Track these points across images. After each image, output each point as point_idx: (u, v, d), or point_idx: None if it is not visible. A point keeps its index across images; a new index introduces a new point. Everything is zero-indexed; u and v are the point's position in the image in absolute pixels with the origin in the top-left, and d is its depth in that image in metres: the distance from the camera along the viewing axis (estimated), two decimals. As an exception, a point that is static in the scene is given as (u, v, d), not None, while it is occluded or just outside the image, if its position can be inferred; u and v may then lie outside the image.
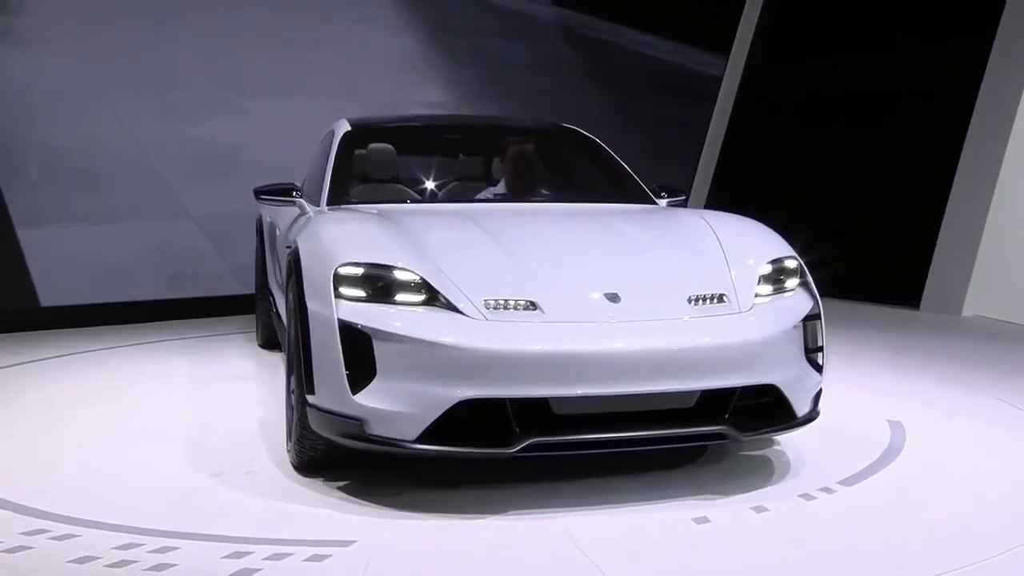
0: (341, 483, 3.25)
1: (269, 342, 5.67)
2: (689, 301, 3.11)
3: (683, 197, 4.48)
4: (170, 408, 4.45)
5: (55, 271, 6.63)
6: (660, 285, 3.16)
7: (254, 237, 6.15)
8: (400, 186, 4.43)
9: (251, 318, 6.73)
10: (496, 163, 4.75)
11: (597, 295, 3.06)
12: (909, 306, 7.34)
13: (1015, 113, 6.94)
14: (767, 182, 8.44)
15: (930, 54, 7.73)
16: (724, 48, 8.98)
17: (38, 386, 4.94)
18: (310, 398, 3.07)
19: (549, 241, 3.45)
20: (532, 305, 3.00)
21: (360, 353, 2.89)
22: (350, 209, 3.92)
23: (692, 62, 8.89)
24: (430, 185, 4.52)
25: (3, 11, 6.61)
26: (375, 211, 3.80)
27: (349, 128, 4.57)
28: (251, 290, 6.39)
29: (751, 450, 3.55)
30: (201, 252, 7.03)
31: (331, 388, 2.97)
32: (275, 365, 5.31)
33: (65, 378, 5.16)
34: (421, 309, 2.95)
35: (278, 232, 4.83)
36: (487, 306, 2.96)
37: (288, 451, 3.51)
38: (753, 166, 8.85)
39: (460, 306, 2.95)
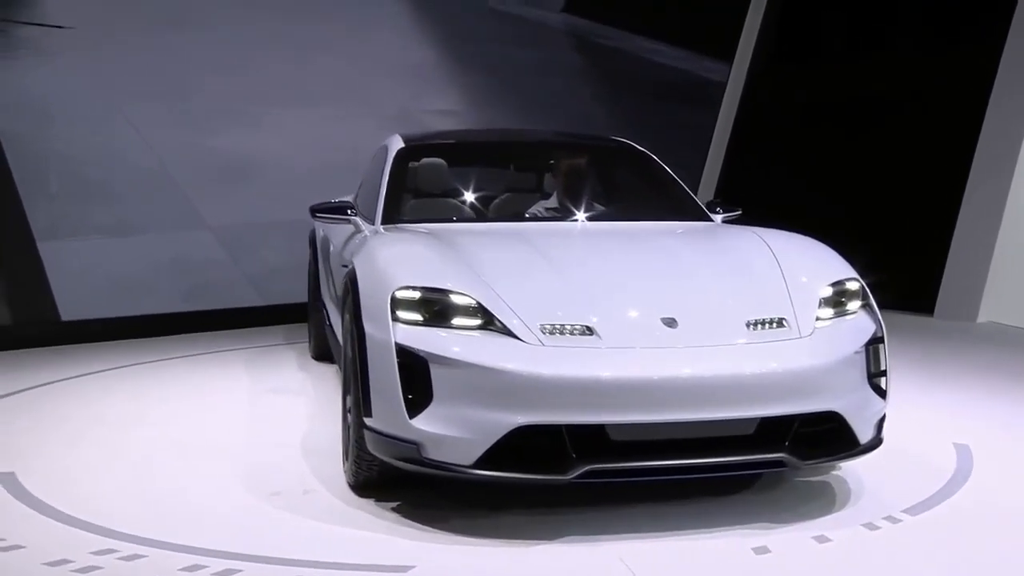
0: (395, 505, 3.26)
1: (322, 354, 5.70)
2: (748, 326, 3.08)
3: (738, 212, 4.43)
4: (224, 424, 4.46)
5: (73, 284, 6.58)
6: (718, 309, 3.13)
7: (288, 247, 6.31)
8: (452, 202, 4.46)
9: (293, 329, 6.81)
10: (548, 178, 4.78)
11: (654, 320, 3.05)
12: (922, 312, 7.26)
13: None
14: (773, 187, 8.37)
15: (939, 60, 7.65)
16: (728, 54, 9.04)
17: (83, 403, 4.95)
18: (367, 420, 3.09)
19: (604, 263, 3.45)
20: (588, 330, 2.99)
21: (417, 377, 2.91)
22: (404, 229, 3.95)
23: (697, 68, 8.96)
24: (481, 200, 4.54)
25: (20, 21, 6.59)
26: (428, 231, 3.82)
27: (403, 144, 4.59)
28: (273, 301, 6.56)
29: (809, 476, 3.49)
30: (219, 263, 7.01)
31: (388, 411, 2.99)
32: (328, 378, 5.33)
33: (109, 395, 5.16)
34: (477, 333, 2.96)
35: (332, 247, 4.87)
36: (543, 331, 2.96)
37: (344, 471, 3.53)
38: (758, 171, 8.79)
39: (516, 331, 2.95)
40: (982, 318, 6.95)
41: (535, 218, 4.25)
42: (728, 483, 3.35)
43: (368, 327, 3.09)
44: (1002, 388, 4.95)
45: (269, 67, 7.01)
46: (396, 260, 3.30)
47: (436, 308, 3.01)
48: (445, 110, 7.57)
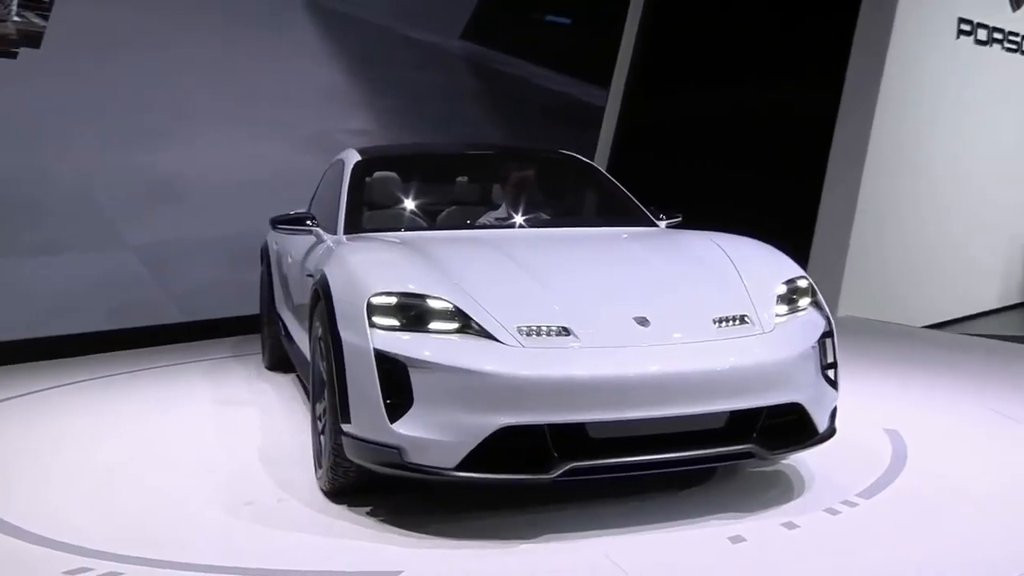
0: (375, 509, 3.08)
1: (277, 364, 5.45)
2: (715, 323, 3.00)
3: (679, 218, 4.40)
4: (188, 437, 4.17)
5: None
6: (686, 308, 3.05)
7: (212, 264, 6.15)
8: (410, 212, 4.29)
9: (240, 341, 6.43)
10: (496, 189, 4.62)
11: (627, 320, 2.95)
12: None
13: (868, 136, 7.24)
14: (651, 199, 8.47)
15: (792, 78, 7.93)
16: (607, 80, 9.43)
17: (44, 420, 4.58)
18: (345, 427, 2.92)
19: (573, 266, 3.34)
20: (565, 331, 2.87)
21: (397, 382, 2.76)
22: (371, 238, 3.78)
23: (580, 93, 9.29)
24: (434, 210, 4.38)
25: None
26: (397, 239, 3.67)
27: (360, 158, 4.42)
28: (196, 317, 6.34)
29: (762, 466, 3.43)
30: (143, 281, 6.66)
31: (368, 417, 2.83)
32: (286, 386, 5.08)
33: (63, 414, 4.76)
34: (455, 337, 2.82)
35: (290, 259, 4.66)
36: (521, 332, 2.84)
37: (318, 478, 3.33)
38: (638, 185, 8.98)
39: (495, 333, 2.82)
40: (842, 312, 7.07)
41: (487, 227, 4.14)
42: (694, 474, 3.27)
43: (345, 334, 2.93)
44: (897, 376, 4.98)
45: (188, 89, 6.75)
46: (370, 267, 3.14)
47: (413, 313, 2.86)
48: (356, 130, 7.51)
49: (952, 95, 7.96)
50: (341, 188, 4.19)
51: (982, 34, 8.19)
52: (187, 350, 6.38)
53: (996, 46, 8.38)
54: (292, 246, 4.61)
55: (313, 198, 5.19)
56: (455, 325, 2.83)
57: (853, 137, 7.35)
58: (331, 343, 2.98)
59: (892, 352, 5.86)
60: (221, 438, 4.11)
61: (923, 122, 7.74)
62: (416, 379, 2.73)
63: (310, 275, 3.76)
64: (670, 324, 2.95)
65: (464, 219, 4.20)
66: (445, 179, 4.69)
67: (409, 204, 4.31)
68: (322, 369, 3.28)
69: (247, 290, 6.34)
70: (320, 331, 3.26)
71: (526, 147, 5.75)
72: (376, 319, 2.83)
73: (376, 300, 2.86)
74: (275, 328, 5.30)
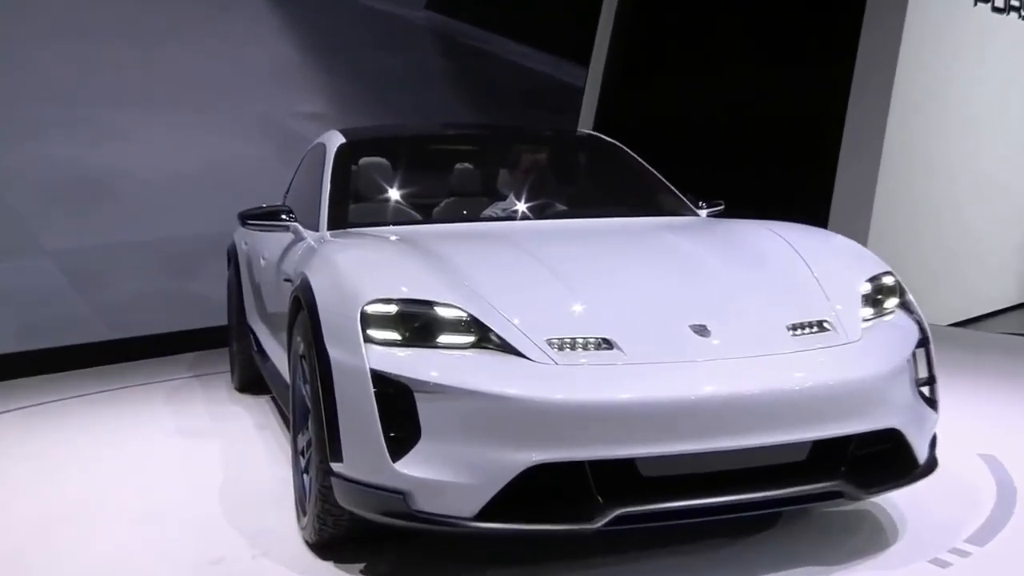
0: (373, 567, 2.82)
1: (248, 384, 5.23)
2: (789, 331, 2.73)
3: (721, 205, 4.20)
4: (142, 477, 3.90)
5: None
6: (753, 313, 2.79)
7: (147, 270, 5.89)
8: (404, 204, 4.06)
9: (200, 358, 6.24)
10: (504, 175, 4.39)
11: (682, 328, 2.68)
12: None
13: (885, 121, 7.03)
14: None
15: (796, 57, 7.74)
16: (585, 59, 9.21)
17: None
18: (336, 466, 2.65)
19: (611, 264, 3.10)
20: (607, 343, 2.61)
21: (400, 410, 2.51)
22: (360, 234, 3.53)
23: (559, 72, 9.09)
24: (433, 200, 4.18)
25: None
26: (392, 235, 3.42)
27: (344, 141, 4.18)
28: (130, 333, 6.07)
29: (838, 503, 3.09)
30: (64, 293, 6.28)
31: (364, 455, 2.57)
32: (261, 412, 4.85)
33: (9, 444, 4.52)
34: (471, 353, 2.58)
35: (262, 261, 4.43)
36: (552, 346, 2.59)
37: (302, 527, 3.05)
38: None
39: (520, 347, 2.57)
40: None
41: (495, 219, 3.93)
42: (761, 517, 2.97)
43: (333, 351, 2.67)
44: (967, 388, 4.68)
45: (114, 64, 6.38)
46: (362, 268, 2.90)
47: (417, 324, 2.62)
48: (309, 114, 7.29)
49: (969, 67, 7.85)
50: (323, 176, 3.97)
51: (999, 1, 8.25)
52: (138, 370, 6.13)
53: (1013, 14, 8.42)
54: (265, 246, 4.39)
55: (288, 190, 5.00)
56: (470, 338, 2.60)
57: (868, 121, 7.11)
58: (316, 362, 2.73)
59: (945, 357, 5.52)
60: (183, 478, 3.88)
61: (941, 97, 7.56)
62: (423, 406, 2.49)
63: (288, 280, 3.53)
64: (735, 333, 2.69)
65: (467, 211, 4.02)
66: (444, 165, 4.46)
67: (403, 194, 4.11)
68: (305, 394, 3.05)
69: (186, 300, 6.17)
70: (302, 347, 3.02)
71: (538, 127, 5.51)
72: (372, 332, 2.60)
73: (371, 309, 2.63)
74: (246, 343, 5.09)
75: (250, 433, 4.47)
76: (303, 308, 2.94)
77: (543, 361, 2.54)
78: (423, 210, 4.01)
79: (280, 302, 3.72)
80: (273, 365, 4.14)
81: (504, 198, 4.09)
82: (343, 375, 2.62)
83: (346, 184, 3.94)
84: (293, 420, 3.26)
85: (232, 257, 5.48)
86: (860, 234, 6.97)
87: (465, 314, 2.62)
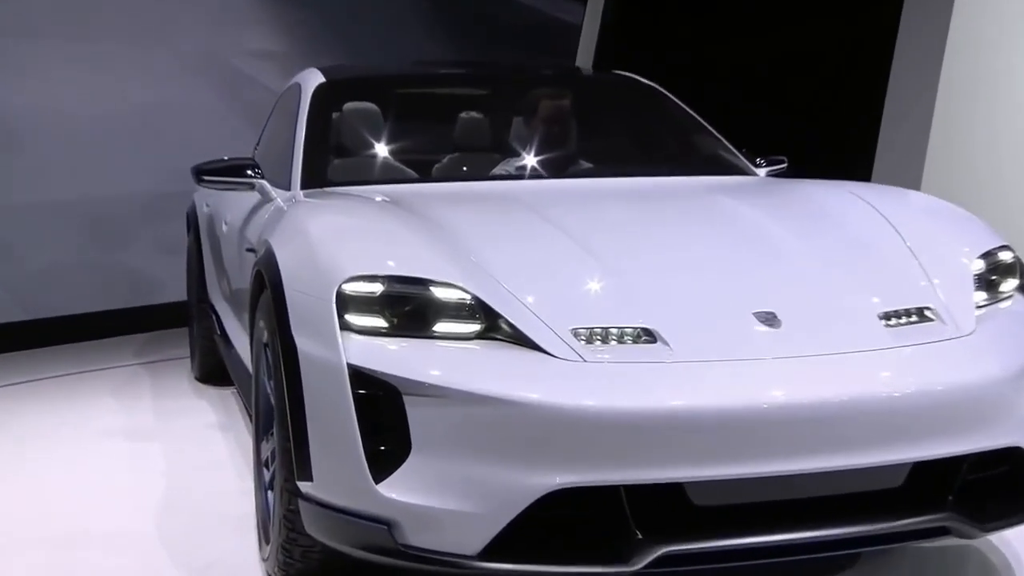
0: None
1: (210, 373, 5.16)
2: (881, 320, 2.50)
3: (784, 163, 4.05)
4: (75, 493, 3.75)
5: None
6: (835, 297, 2.57)
7: (66, 236, 5.71)
8: (396, 159, 3.91)
9: (152, 342, 6.21)
10: (518, 125, 4.24)
11: (745, 316, 2.47)
12: None
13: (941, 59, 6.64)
14: None
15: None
16: None
17: None
18: (304, 486, 2.48)
19: (650, 235, 2.92)
20: (649, 335, 2.40)
21: (385, 418, 2.34)
22: (340, 194, 3.38)
23: (552, 8, 8.96)
24: (432, 156, 4.04)
25: None
26: (380, 197, 3.25)
27: (323, 80, 4.03)
28: (42, 314, 5.96)
29: (940, 543, 2.84)
30: None
31: (339, 473, 2.40)
32: (224, 407, 4.75)
33: None
34: (476, 345, 2.39)
35: (225, 226, 4.31)
36: (579, 338, 2.38)
37: (264, 558, 2.89)
38: None
39: (539, 339, 2.37)
40: None
41: (508, 177, 3.79)
42: (841, 557, 2.74)
43: (302, 341, 2.51)
44: None
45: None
46: (340, 235, 2.74)
47: (408, 308, 2.45)
48: (258, 52, 7.22)
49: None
50: (297, 124, 3.83)
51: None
52: (69, 357, 6.04)
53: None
54: (228, 208, 4.28)
55: (258, 142, 4.90)
56: (475, 327, 2.42)
57: (920, 57, 6.76)
58: (281, 355, 2.57)
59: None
60: (125, 493, 3.73)
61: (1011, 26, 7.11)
62: (415, 413, 2.31)
63: (251, 250, 3.41)
64: (812, 323, 2.47)
65: (474, 168, 3.93)
66: (447, 113, 4.31)
67: (395, 148, 3.98)
68: (269, 391, 2.90)
69: (120, 273, 6.09)
70: (265, 334, 2.88)
71: (562, 66, 5.33)
72: (351, 318, 2.43)
73: (350, 288, 2.45)
74: (207, 324, 5.02)
75: (208, 435, 4.38)
76: (267, 286, 2.78)
77: (568, 357, 2.34)
78: (420, 167, 3.85)
79: (243, 277, 3.60)
80: (236, 353, 4.03)
81: (519, 153, 3.95)
82: (314, 372, 2.45)
83: (325, 133, 3.82)
84: (256, 423, 3.11)
85: (192, 222, 5.39)
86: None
87: (469, 296, 2.44)
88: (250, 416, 3.79)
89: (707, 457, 2.23)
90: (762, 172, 3.92)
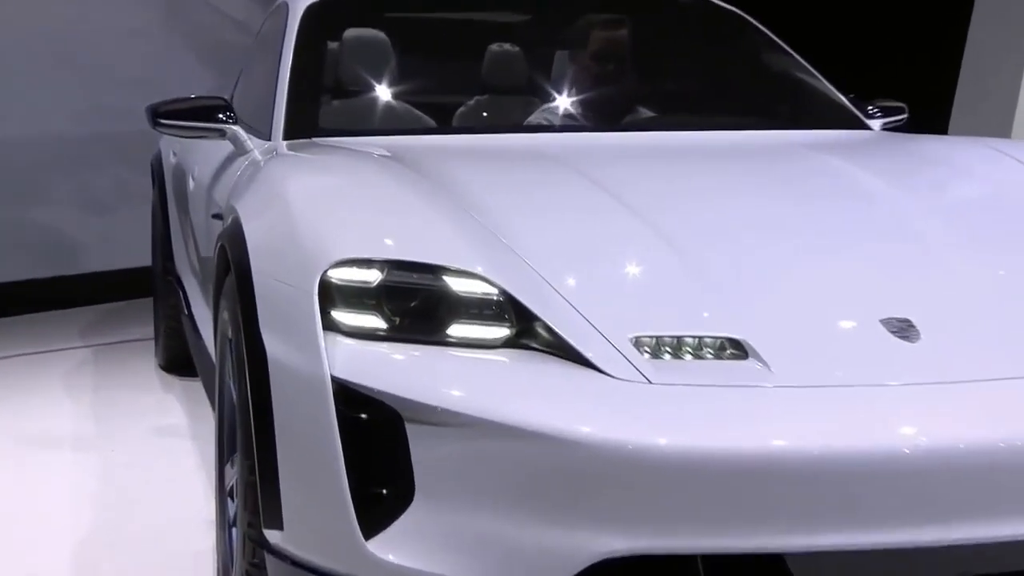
0: None
1: (175, 361, 5.14)
2: None
3: (904, 114, 3.96)
4: (25, 519, 3.66)
5: None
6: (996, 300, 2.38)
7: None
8: (405, 102, 3.83)
9: (104, 318, 6.21)
10: (562, 61, 4.25)
11: (870, 325, 2.26)
12: None
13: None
14: None
15: None
16: None
17: None
18: (272, 536, 2.35)
19: (739, 210, 2.74)
20: (738, 349, 2.19)
21: (380, 452, 2.19)
22: (331, 146, 3.25)
23: None
24: (453, 98, 3.99)
25: None
26: (382, 151, 3.12)
27: (315, 1, 3.91)
28: None
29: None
30: None
31: (317, 523, 2.28)
32: (192, 407, 4.66)
33: None
34: (504, 356, 2.21)
35: (191, 183, 4.26)
36: (643, 349, 2.18)
37: None
38: None
39: (587, 350, 2.18)
40: None
41: (549, 128, 3.69)
42: None
43: (272, 344, 2.37)
44: None
45: None
46: (327, 205, 2.59)
47: (415, 304, 2.30)
48: None
49: None
50: (282, 55, 3.72)
51: None
52: (5, 335, 6.02)
53: None
54: (197, 159, 4.28)
55: (237, 82, 4.87)
56: (504, 331, 2.24)
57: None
58: (246, 359, 2.42)
59: None
60: (56, 518, 3.64)
61: None
62: (421, 447, 2.15)
63: (217, 215, 3.34)
64: (963, 335, 2.27)
65: (505, 115, 3.88)
66: (472, 44, 4.24)
67: (407, 87, 3.90)
68: (234, 398, 2.75)
69: (52, 234, 6.12)
70: (229, 329, 2.74)
71: None
72: (338, 315, 2.27)
73: (339, 275, 2.29)
74: (174, 302, 4.99)
75: (170, 444, 4.29)
76: (231, 267, 2.64)
77: (627, 376, 2.12)
78: (438, 113, 3.78)
79: (209, 249, 3.51)
80: (203, 344, 3.98)
81: (564, 98, 3.87)
82: (288, 385, 2.29)
83: (317, 68, 3.76)
84: (219, 438, 2.98)
85: (157, 173, 5.39)
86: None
87: (496, 290, 2.25)
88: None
89: (818, 519, 2.03)
90: (876, 125, 3.78)
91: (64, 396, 4.92)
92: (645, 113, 3.78)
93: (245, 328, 2.42)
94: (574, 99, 3.78)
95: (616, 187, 2.70)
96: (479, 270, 2.27)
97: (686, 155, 3.25)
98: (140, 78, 6.05)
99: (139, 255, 6.13)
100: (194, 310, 4.30)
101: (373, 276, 2.27)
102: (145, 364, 5.35)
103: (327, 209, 2.51)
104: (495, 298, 2.24)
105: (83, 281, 6.63)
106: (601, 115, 3.70)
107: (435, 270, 2.27)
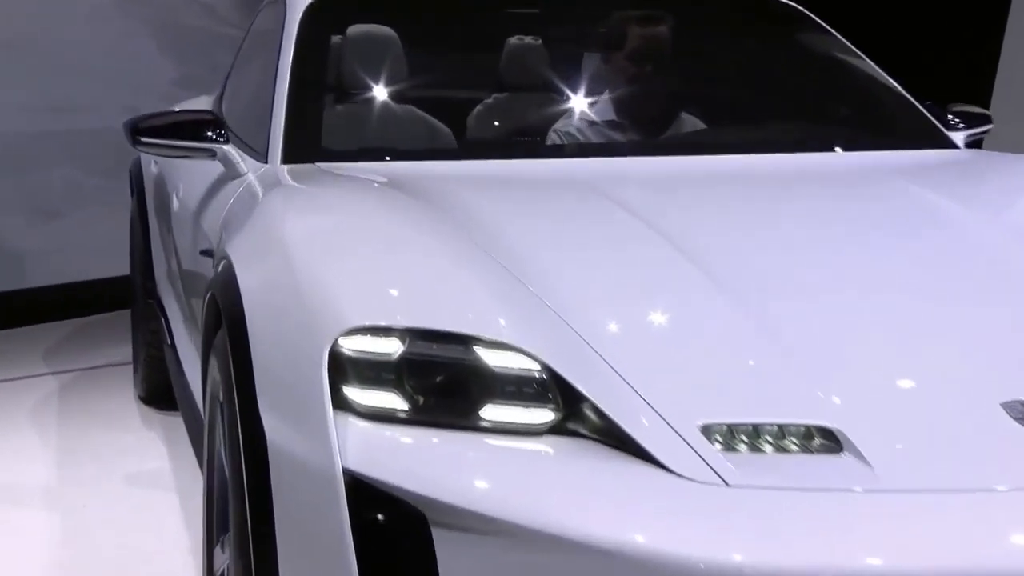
0: None
1: (156, 392, 5.05)
2: None
3: (988, 125, 3.84)
4: None
5: None
6: None
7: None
8: (422, 114, 3.70)
9: (75, 333, 6.03)
10: (592, 63, 4.08)
11: (989, 410, 2.07)
12: None
13: None
14: None
15: None
16: None
17: None
18: None
19: (821, 264, 2.60)
20: (830, 441, 2.02)
21: (399, 559, 2.07)
22: (338, 173, 3.12)
23: None
24: (463, 105, 3.92)
25: None
26: (394, 182, 3.00)
27: None
28: None
29: None
30: None
31: None
32: (170, 447, 4.56)
33: None
34: (548, 446, 2.08)
35: (176, 201, 4.18)
36: (715, 440, 2.02)
37: None
38: None
39: (648, 441, 2.03)
40: None
41: (585, 151, 3.55)
42: None
43: (272, 424, 2.26)
44: None
45: None
46: (338, 257, 2.47)
47: (442, 381, 2.16)
48: None
49: None
50: (279, 62, 3.59)
51: None
52: None
53: None
54: (182, 175, 4.19)
55: (224, 83, 4.79)
56: (549, 415, 2.11)
57: None
58: (241, 439, 2.31)
59: None
60: None
61: None
62: (451, 556, 2.02)
63: (207, 252, 3.22)
64: None
65: (526, 117, 3.78)
66: (493, 40, 4.15)
67: (418, 93, 3.79)
68: (226, 470, 2.64)
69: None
70: (220, 391, 2.62)
71: None
72: (352, 393, 2.15)
73: (353, 346, 2.17)
74: (154, 326, 4.91)
75: (145, 498, 4.12)
76: (223, 324, 2.52)
77: (698, 476, 1.96)
78: (453, 115, 3.72)
79: (196, 285, 3.45)
80: (188, 387, 3.86)
81: (592, 102, 3.74)
82: (291, 476, 2.17)
83: (320, 78, 3.65)
84: (207, 512, 2.86)
85: (136, 181, 5.31)
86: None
87: (538, 364, 2.11)
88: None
89: None
90: (959, 137, 3.64)
91: (28, 435, 4.78)
92: (690, 124, 3.63)
93: (240, 401, 2.29)
94: (606, 106, 3.63)
95: (671, 228, 2.55)
96: (517, 341, 2.13)
97: (748, 184, 3.11)
98: (92, 68, 5.95)
99: (97, 266, 6.14)
100: (178, 344, 4.21)
101: (393, 347, 2.14)
102: (122, 394, 5.22)
103: (336, 261, 2.38)
104: (536, 375, 2.10)
105: (44, 295, 6.53)
106: (640, 126, 3.57)
107: (466, 340, 2.14)
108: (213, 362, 2.68)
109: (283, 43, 3.57)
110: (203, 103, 4.80)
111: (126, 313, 5.63)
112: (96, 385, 5.44)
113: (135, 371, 5.25)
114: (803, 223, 2.80)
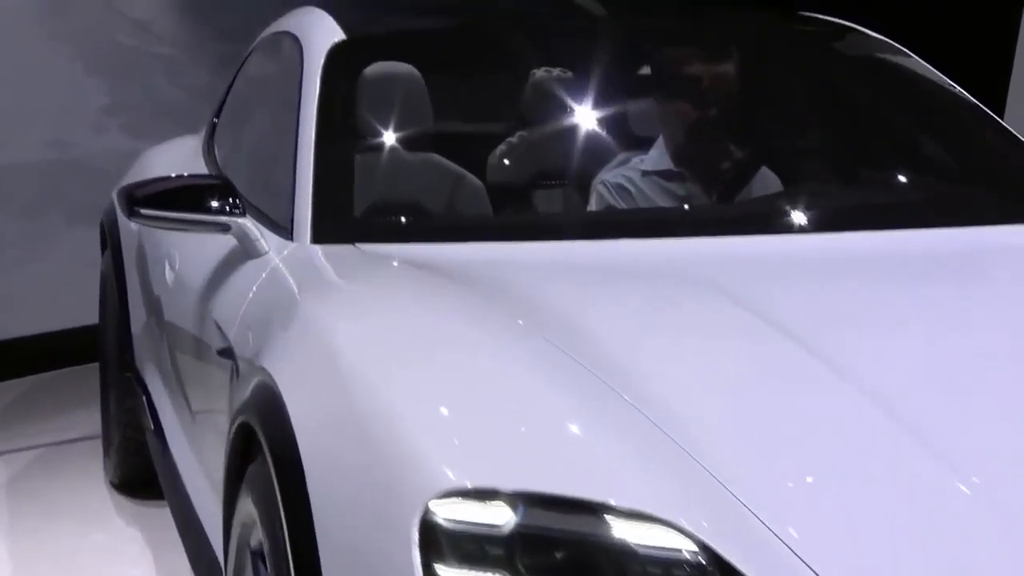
0: None
1: (131, 477, 4.90)
2: None
3: None
4: None
5: None
6: None
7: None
8: (466, 174, 3.54)
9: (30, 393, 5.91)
10: (640, 108, 3.88)
11: None
12: None
13: None
14: None
15: None
16: None
17: None
18: None
19: (994, 381, 2.35)
20: None
21: None
22: (384, 256, 2.97)
23: None
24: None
25: None
26: (468, 274, 2.79)
27: (343, 39, 3.58)
28: None
29: None
30: None
31: None
32: (158, 545, 4.35)
33: None
34: None
35: (170, 272, 3.98)
36: None
37: None
38: None
39: None
40: None
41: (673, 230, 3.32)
42: None
43: None
44: None
45: None
46: (417, 389, 2.26)
47: (563, 558, 1.96)
48: None
49: None
50: (300, 117, 3.39)
51: None
52: None
53: None
54: (176, 239, 3.97)
55: (213, 127, 4.59)
56: None
57: None
58: None
59: None
60: None
61: None
62: None
63: (225, 352, 3.00)
64: None
65: (554, 159, 3.71)
66: (512, 85, 4.06)
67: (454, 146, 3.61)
68: None
69: None
70: (258, 543, 2.44)
71: (719, 7, 4.93)
72: (447, 573, 1.95)
73: (447, 513, 1.97)
74: (131, 404, 4.73)
75: None
76: (267, 461, 2.32)
77: None
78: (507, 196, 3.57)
79: (204, 382, 3.40)
80: (183, 489, 3.70)
81: (641, 150, 3.58)
82: None
83: (351, 133, 3.44)
84: None
85: (110, 236, 5.08)
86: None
87: (691, 542, 1.88)
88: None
89: None
90: None
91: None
92: (773, 182, 3.39)
93: (297, 570, 2.09)
94: (660, 153, 3.44)
95: (826, 346, 2.31)
96: (664, 510, 1.89)
97: (881, 278, 2.85)
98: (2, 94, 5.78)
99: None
100: (165, 430, 4.01)
101: (502, 516, 1.92)
102: (90, 479, 4.99)
103: (417, 397, 2.16)
104: (690, 556, 1.86)
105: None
106: (708, 180, 3.39)
107: (595, 509, 1.91)
108: (246, 502, 2.47)
109: (303, 95, 3.37)
110: (182, 149, 4.67)
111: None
112: (53, 466, 5.18)
113: (106, 453, 5.06)
114: (963, 326, 2.57)
